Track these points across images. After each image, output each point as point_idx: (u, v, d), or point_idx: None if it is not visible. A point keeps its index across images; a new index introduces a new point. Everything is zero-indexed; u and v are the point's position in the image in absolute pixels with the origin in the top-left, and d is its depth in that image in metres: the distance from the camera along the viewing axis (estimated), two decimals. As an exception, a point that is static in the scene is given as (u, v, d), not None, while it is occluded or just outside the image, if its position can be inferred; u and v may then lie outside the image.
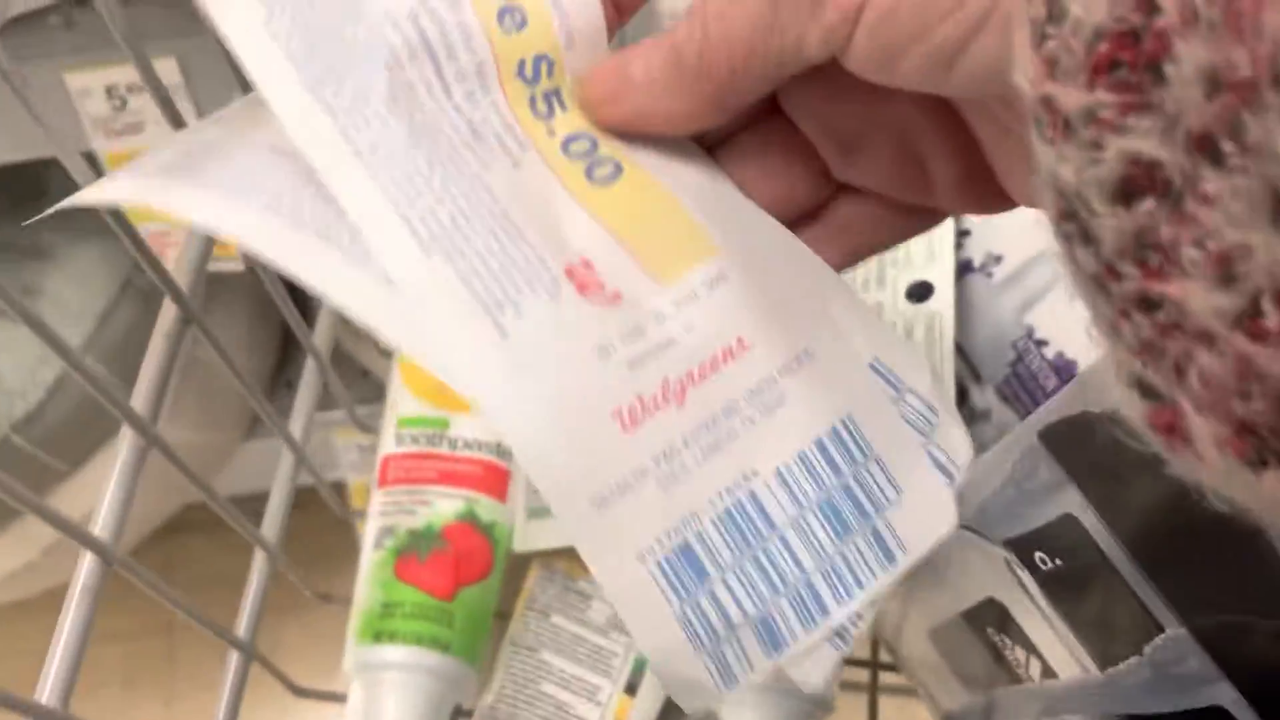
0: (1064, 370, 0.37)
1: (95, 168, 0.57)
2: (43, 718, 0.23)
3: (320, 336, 0.39)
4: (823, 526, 0.19)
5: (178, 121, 0.27)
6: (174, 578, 0.94)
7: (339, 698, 0.38)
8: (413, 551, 0.37)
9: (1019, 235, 0.37)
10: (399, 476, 0.39)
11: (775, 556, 0.19)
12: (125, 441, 0.26)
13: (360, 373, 0.81)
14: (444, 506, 0.38)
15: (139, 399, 0.26)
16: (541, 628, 0.38)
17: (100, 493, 0.66)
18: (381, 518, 0.38)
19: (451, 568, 0.37)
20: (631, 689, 0.38)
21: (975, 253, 0.38)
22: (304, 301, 0.68)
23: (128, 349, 0.64)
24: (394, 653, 0.36)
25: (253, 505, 0.95)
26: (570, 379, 0.18)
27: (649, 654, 0.18)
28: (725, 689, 0.18)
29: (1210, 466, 0.13)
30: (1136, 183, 0.12)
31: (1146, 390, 0.13)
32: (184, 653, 0.93)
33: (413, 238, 0.18)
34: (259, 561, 0.34)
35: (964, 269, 0.38)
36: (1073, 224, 0.13)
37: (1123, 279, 0.12)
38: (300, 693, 0.37)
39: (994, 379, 0.39)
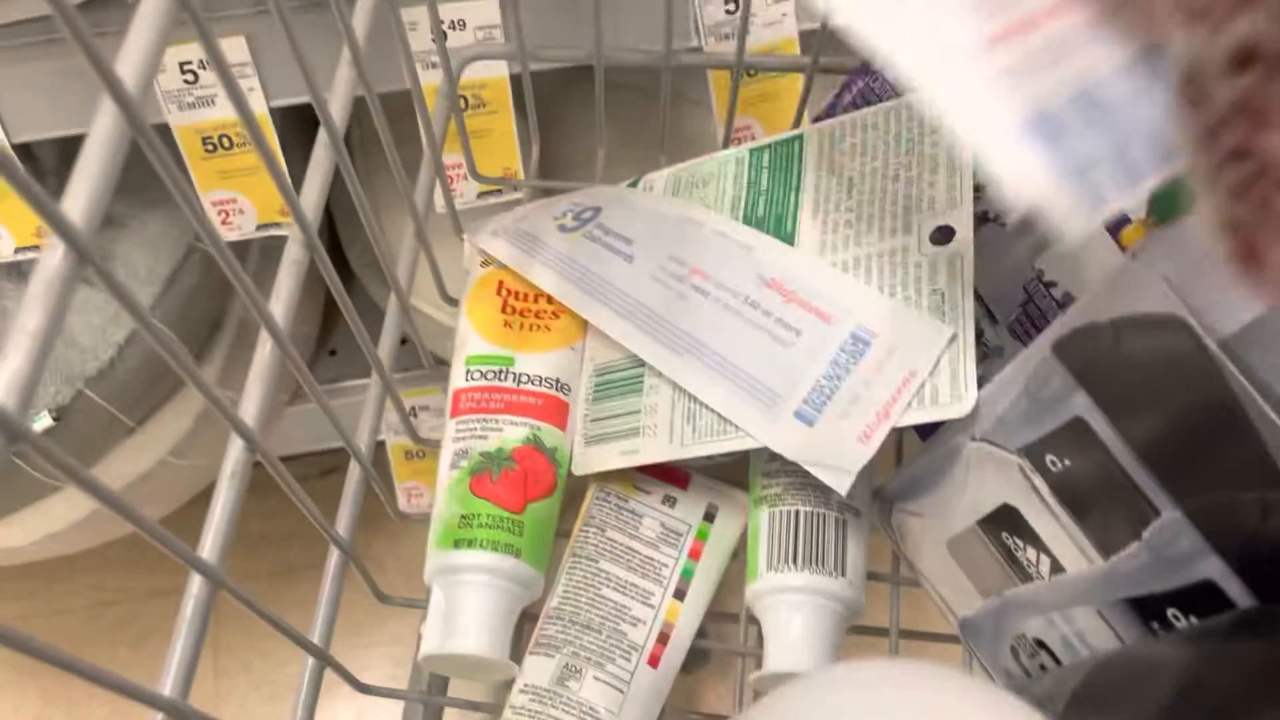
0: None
1: (168, 140, 0.61)
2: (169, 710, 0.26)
3: (386, 342, 0.43)
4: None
5: (240, 99, 0.30)
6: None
7: (419, 604, 0.42)
8: (486, 470, 0.41)
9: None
10: (470, 407, 0.43)
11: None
12: (233, 456, 0.29)
13: (399, 340, 0.86)
14: (512, 432, 0.42)
15: (247, 413, 0.29)
16: (599, 541, 0.43)
17: (164, 449, 0.69)
18: (456, 442, 0.43)
19: (521, 484, 0.41)
20: (680, 594, 0.42)
21: (989, 204, 0.43)
22: (346, 277, 0.72)
23: (189, 312, 0.69)
24: (471, 557, 0.40)
25: (298, 467, 0.99)
26: None
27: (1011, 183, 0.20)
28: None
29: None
30: (1244, 56, 0.15)
31: (1235, 225, 0.17)
32: (226, 604, 0.97)
33: None
34: (333, 562, 0.38)
35: (981, 219, 0.42)
36: (1192, 88, 0.16)
37: (1224, 136, 0.16)
38: (384, 599, 0.41)
39: (1007, 319, 0.43)
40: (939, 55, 0.21)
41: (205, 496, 0.30)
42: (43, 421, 0.63)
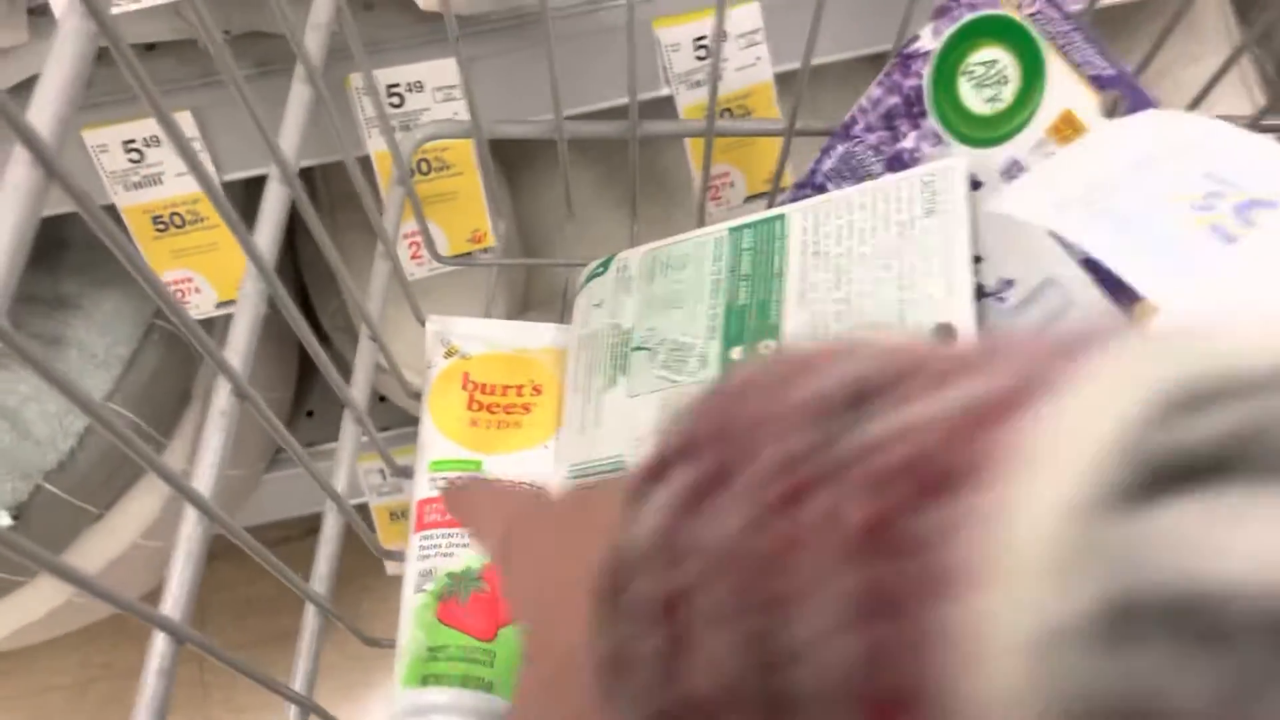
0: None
1: (117, 220, 0.57)
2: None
3: (358, 388, 0.40)
4: None
5: (200, 172, 0.27)
6: (208, 603, 0.95)
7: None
8: (454, 594, 0.38)
9: (1030, 260, 0.37)
10: (435, 520, 0.40)
11: None
12: (189, 524, 0.26)
13: (377, 398, 0.82)
14: (482, 549, 0.39)
15: (201, 480, 0.27)
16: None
17: (134, 533, 0.66)
18: (420, 561, 0.39)
19: (492, 608, 0.38)
20: None
21: (987, 278, 0.39)
22: (319, 334, 0.68)
23: (154, 392, 0.65)
24: (440, 695, 0.37)
25: (272, 533, 0.95)
26: None
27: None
28: None
29: None
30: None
31: None
32: (214, 678, 0.94)
33: None
34: (310, 616, 0.35)
35: (976, 294, 0.39)
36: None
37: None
38: (371, 641, 0.38)
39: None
40: None
41: None
42: (0, 520, 0.60)
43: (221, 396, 0.28)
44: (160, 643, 0.25)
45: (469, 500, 0.31)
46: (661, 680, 0.15)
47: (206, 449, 0.27)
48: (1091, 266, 0.35)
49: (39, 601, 0.68)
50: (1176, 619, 0.09)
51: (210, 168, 0.56)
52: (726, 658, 0.14)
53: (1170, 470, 0.10)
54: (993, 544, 0.11)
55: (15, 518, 0.60)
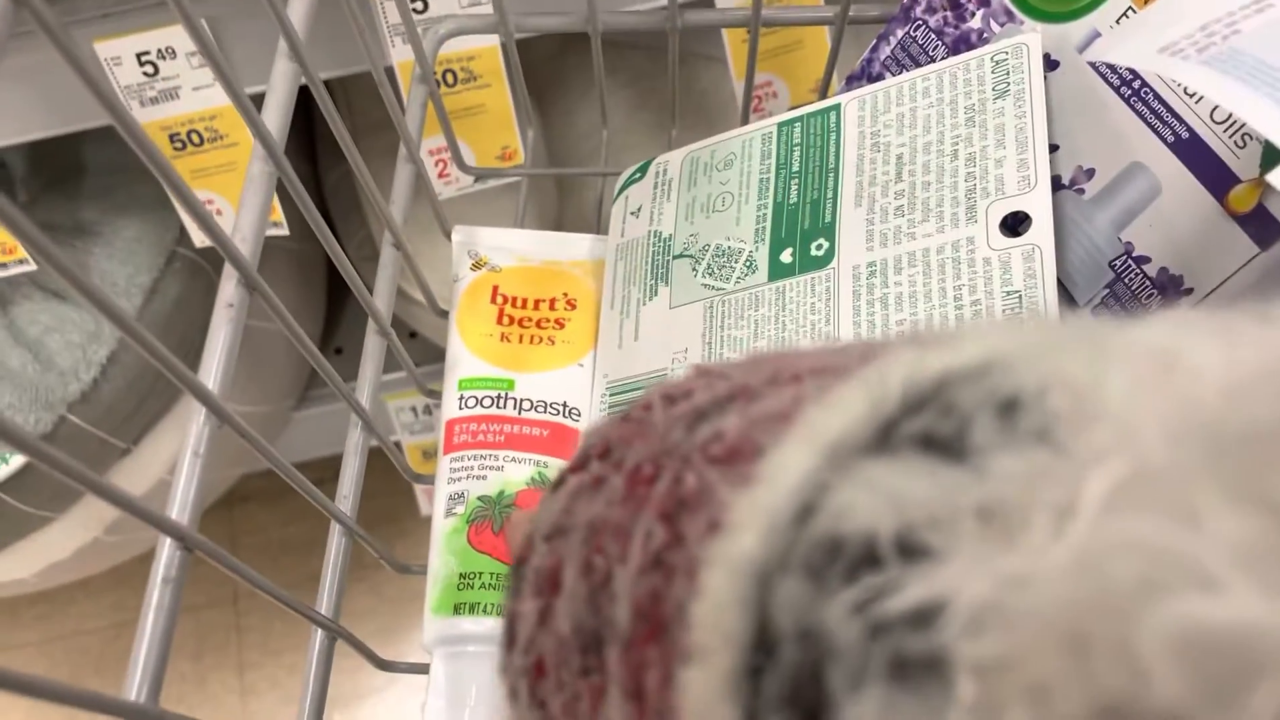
0: (1169, 287, 0.34)
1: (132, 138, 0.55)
2: (135, 716, 0.21)
3: (381, 298, 0.37)
4: None
5: (227, 81, 0.25)
6: (240, 545, 0.94)
7: (422, 668, 0.37)
8: (486, 518, 0.36)
9: (1112, 144, 0.34)
10: (465, 441, 0.38)
11: None
12: (196, 419, 0.24)
13: (408, 334, 0.80)
14: (514, 472, 0.37)
15: (207, 375, 0.24)
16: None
17: (163, 468, 0.65)
18: (451, 483, 0.37)
19: (527, 533, 0.36)
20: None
21: (1064, 168, 0.36)
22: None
23: (176, 322, 0.63)
24: (474, 625, 0.34)
25: (306, 473, 0.94)
26: None
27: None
28: None
29: None
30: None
31: None
32: (249, 620, 0.94)
33: None
34: (336, 536, 0.33)
35: (1052, 186, 0.36)
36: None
37: None
38: (386, 666, 0.36)
39: (1090, 302, 0.37)
40: None
41: (216, 512, 0.26)
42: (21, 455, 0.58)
43: (228, 288, 0.25)
44: (166, 548, 0.23)
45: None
46: (539, 632, 0.18)
47: (214, 344, 0.25)
48: (1184, 147, 0.32)
49: (67, 539, 0.67)
50: (829, 555, 0.13)
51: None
52: (579, 602, 0.17)
53: (869, 453, 0.13)
54: (743, 504, 0.14)
55: (38, 451, 0.58)
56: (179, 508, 0.23)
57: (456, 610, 0.35)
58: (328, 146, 0.76)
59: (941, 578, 0.11)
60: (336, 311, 0.80)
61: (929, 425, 0.13)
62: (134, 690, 0.22)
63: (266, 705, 0.86)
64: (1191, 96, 0.32)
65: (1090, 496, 0.11)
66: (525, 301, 0.41)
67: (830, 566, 0.13)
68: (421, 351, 0.79)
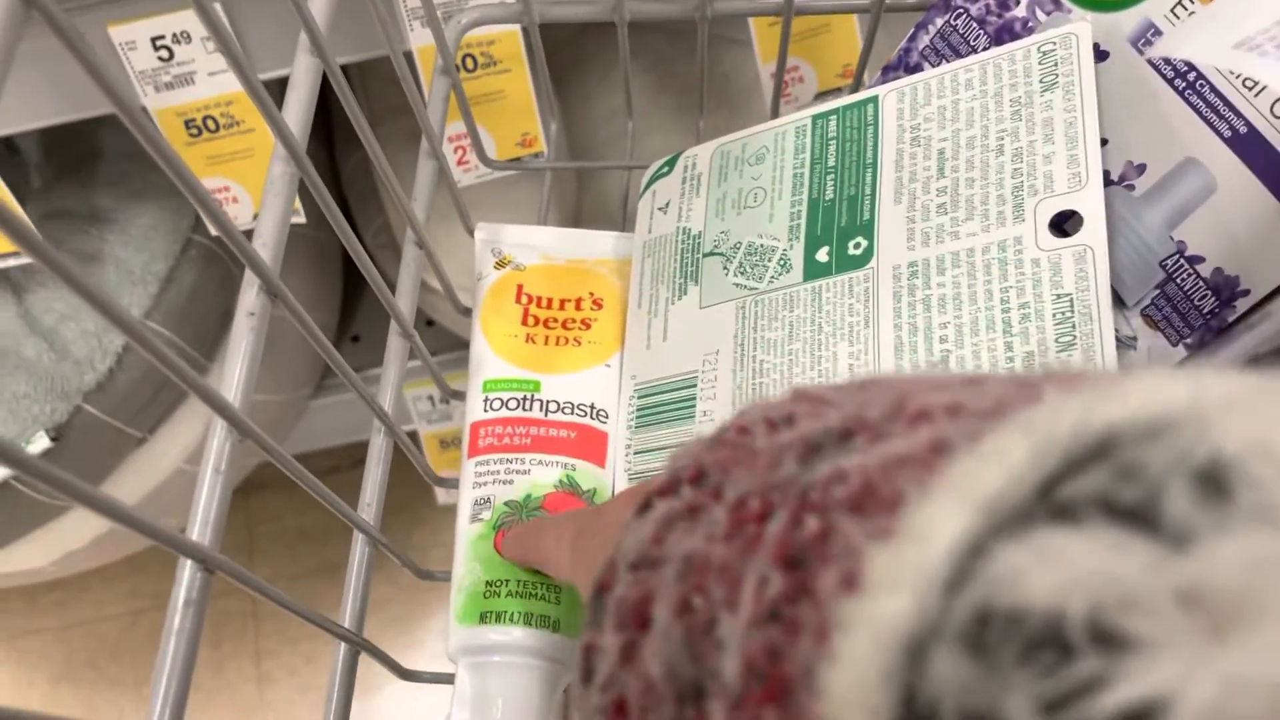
0: (1223, 289, 0.33)
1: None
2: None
3: (404, 297, 0.36)
4: None
5: (242, 67, 0.24)
6: (256, 533, 0.94)
7: (446, 678, 0.36)
8: (513, 525, 0.35)
9: (1165, 138, 0.33)
10: (490, 444, 0.37)
11: None
12: (216, 433, 0.23)
13: (425, 321, 0.79)
14: (541, 475, 0.36)
15: (229, 387, 0.23)
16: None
17: (179, 458, 0.64)
18: (476, 488, 0.36)
19: (554, 539, 0.35)
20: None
21: (1113, 163, 0.34)
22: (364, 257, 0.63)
23: (193, 311, 0.63)
24: (500, 634, 0.33)
25: (321, 462, 0.93)
26: None
27: None
28: None
29: None
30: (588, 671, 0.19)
31: None
32: (266, 607, 0.93)
33: None
34: (359, 545, 0.32)
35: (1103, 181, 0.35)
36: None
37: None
38: (409, 676, 0.35)
39: (1139, 303, 0.35)
40: None
41: (231, 500, 0.25)
42: (39, 443, 0.58)
43: (250, 295, 0.24)
44: (187, 571, 0.22)
45: (526, 534, 0.33)
46: (621, 670, 0.17)
47: (235, 354, 0.24)
48: (1242, 142, 0.30)
49: (84, 527, 0.66)
50: (1001, 631, 0.11)
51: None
52: (674, 645, 0.16)
53: (1038, 514, 0.12)
54: (887, 561, 0.13)
55: (55, 439, 0.57)
56: (199, 528, 0.23)
57: (482, 619, 0.34)
58: (345, 132, 0.75)
59: (1159, 674, 0.10)
60: (353, 299, 0.79)
61: (1107, 489, 0.12)
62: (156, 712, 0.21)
63: (283, 693, 0.85)
64: (1251, 89, 0.31)
65: None
66: (551, 301, 0.39)
67: (1002, 644, 0.11)
68: (439, 340, 0.78)
